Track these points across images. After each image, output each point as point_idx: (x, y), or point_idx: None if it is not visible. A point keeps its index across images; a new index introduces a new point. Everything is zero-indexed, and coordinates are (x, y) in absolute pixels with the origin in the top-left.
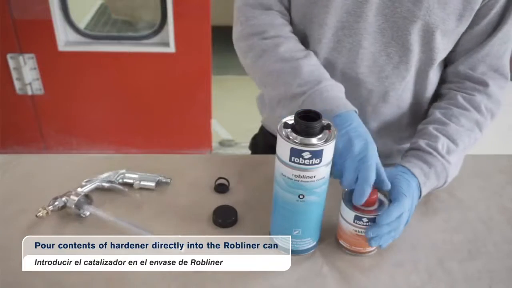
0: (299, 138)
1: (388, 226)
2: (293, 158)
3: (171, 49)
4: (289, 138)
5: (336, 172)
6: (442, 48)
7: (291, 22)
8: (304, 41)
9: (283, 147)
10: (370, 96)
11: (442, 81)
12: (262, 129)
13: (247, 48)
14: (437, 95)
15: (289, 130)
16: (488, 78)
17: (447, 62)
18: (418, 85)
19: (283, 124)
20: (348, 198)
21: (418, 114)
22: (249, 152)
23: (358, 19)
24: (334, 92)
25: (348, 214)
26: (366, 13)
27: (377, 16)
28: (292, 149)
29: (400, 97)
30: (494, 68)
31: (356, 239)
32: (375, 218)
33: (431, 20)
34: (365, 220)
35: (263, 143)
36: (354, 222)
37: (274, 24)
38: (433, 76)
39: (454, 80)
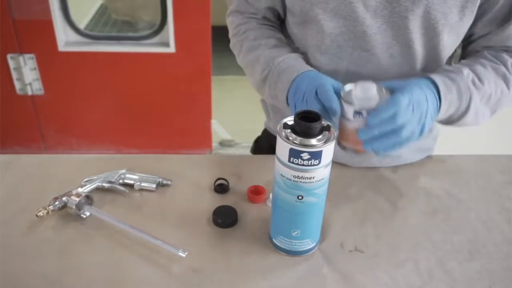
0: (298, 139)
1: (379, 127)
2: (292, 158)
3: (171, 49)
4: (288, 138)
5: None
6: (448, 44)
7: (290, 31)
8: (304, 49)
9: (282, 148)
10: None
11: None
12: (265, 131)
13: (233, 49)
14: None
15: (289, 130)
16: None
17: (464, 50)
18: None
19: (282, 125)
20: (347, 96)
21: None
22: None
23: (355, 23)
24: (287, 63)
25: (348, 110)
26: (363, 16)
27: (375, 18)
28: (291, 150)
29: None
30: None
31: (358, 139)
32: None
33: (431, 16)
34: (364, 114)
35: (267, 145)
36: (354, 118)
37: (248, 27)
38: None
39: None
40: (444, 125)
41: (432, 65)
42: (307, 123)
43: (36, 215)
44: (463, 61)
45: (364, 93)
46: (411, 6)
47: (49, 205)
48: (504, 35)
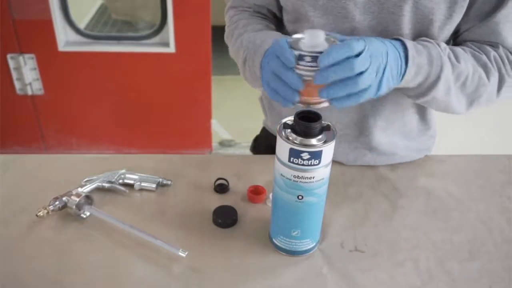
0: (298, 139)
1: (333, 70)
2: (292, 158)
3: (171, 49)
4: (288, 138)
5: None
6: (436, 40)
7: (286, 30)
8: None
9: (282, 148)
10: None
11: None
12: (264, 130)
13: (226, 40)
14: None
15: (289, 130)
16: (498, 45)
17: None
18: None
19: (282, 125)
20: (295, 43)
21: (421, 106)
22: (250, 153)
23: (344, 20)
24: (262, 40)
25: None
26: (352, 13)
27: (364, 14)
28: (291, 150)
29: (398, 92)
30: (503, 45)
31: (306, 89)
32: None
33: (419, 12)
34: (308, 59)
35: (265, 144)
36: (298, 64)
37: (240, 17)
38: None
39: None
40: (416, 100)
41: None
42: (307, 123)
43: (36, 215)
44: None
45: (311, 40)
46: (399, 2)
47: (49, 205)
48: (487, 29)
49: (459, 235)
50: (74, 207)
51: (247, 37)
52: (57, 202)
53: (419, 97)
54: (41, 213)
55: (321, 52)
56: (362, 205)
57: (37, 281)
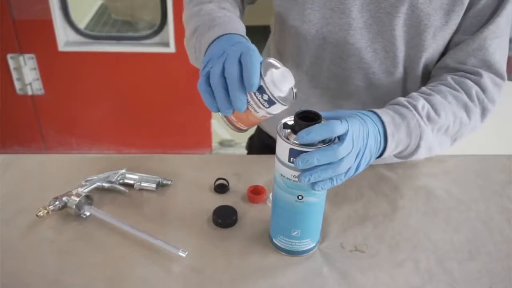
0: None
1: (317, 156)
2: (292, 158)
3: (171, 49)
4: (288, 138)
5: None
6: (429, 45)
7: (278, 20)
8: (290, 37)
9: (282, 148)
10: (358, 92)
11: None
12: (259, 129)
13: (184, 4)
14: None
15: (289, 130)
16: (481, 71)
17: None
18: (408, 83)
19: (282, 125)
20: (264, 67)
21: None
22: (246, 152)
23: (342, 15)
24: (223, 20)
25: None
26: (350, 8)
27: (362, 12)
28: (291, 150)
29: (389, 93)
30: (487, 64)
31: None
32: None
33: (414, 15)
34: (265, 97)
35: (259, 142)
36: (254, 92)
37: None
38: (425, 75)
39: (443, 72)
40: (398, 159)
41: (413, 65)
42: (307, 123)
43: (36, 215)
44: (423, 88)
45: (280, 79)
46: (396, 3)
47: (49, 205)
48: (476, 44)
49: (459, 235)
50: (74, 207)
51: (209, 9)
52: (57, 202)
53: (402, 159)
54: (41, 213)
55: (278, 101)
56: (362, 205)
57: (37, 281)
